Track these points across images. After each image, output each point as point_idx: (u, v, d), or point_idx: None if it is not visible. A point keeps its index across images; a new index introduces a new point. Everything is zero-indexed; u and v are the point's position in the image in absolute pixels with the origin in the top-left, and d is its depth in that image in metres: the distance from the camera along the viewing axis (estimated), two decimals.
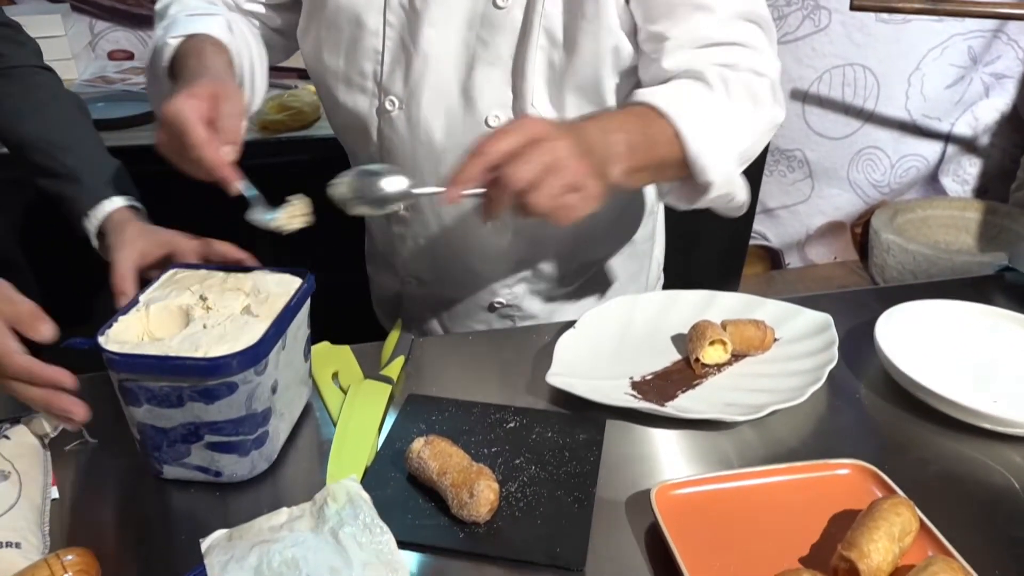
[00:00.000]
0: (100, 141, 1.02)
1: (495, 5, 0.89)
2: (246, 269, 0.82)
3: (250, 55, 0.96)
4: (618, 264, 1.14)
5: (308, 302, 0.80)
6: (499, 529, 0.69)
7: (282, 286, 0.78)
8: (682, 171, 0.84)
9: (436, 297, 1.11)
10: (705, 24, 0.87)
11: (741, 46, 0.88)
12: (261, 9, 1.03)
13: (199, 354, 0.70)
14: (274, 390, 0.75)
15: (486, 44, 0.90)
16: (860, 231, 3.11)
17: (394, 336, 0.95)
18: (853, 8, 2.33)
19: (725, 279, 2.23)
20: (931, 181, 3.09)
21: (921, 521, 0.67)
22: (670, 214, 1.18)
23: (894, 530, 0.64)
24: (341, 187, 0.77)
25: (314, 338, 0.88)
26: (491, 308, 1.08)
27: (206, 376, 0.69)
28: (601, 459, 0.78)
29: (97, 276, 0.91)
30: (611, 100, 0.92)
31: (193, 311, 0.75)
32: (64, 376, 0.72)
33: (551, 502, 0.72)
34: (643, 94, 0.84)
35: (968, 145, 3.02)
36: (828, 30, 2.69)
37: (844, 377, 0.92)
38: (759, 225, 3.01)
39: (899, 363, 0.87)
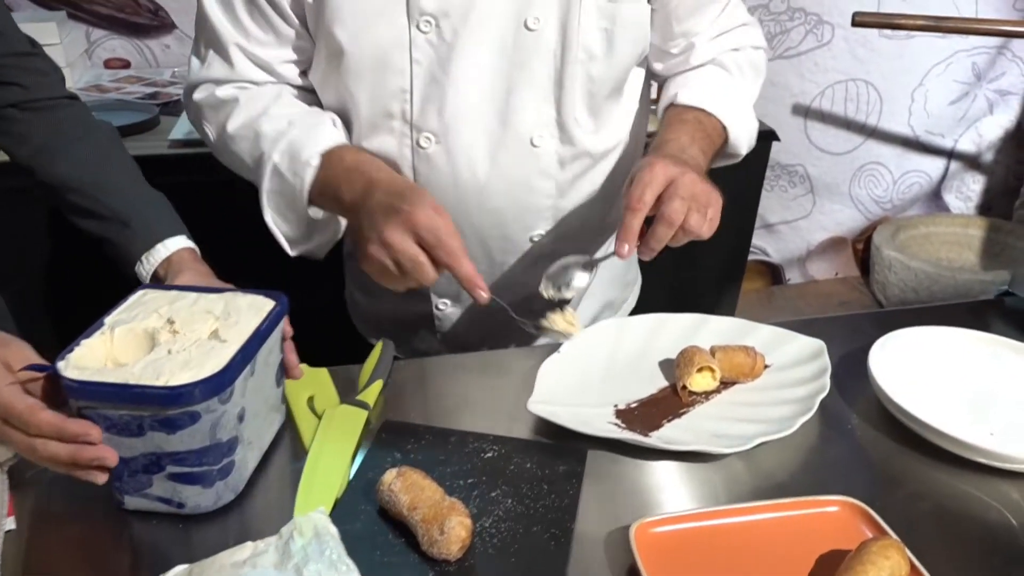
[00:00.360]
0: (139, 174, 0.99)
1: (526, 27, 0.89)
2: (218, 290, 0.79)
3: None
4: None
5: (281, 325, 0.78)
6: (471, 568, 0.66)
7: (254, 309, 0.76)
8: (723, 149, 1.02)
9: (461, 315, 1.10)
10: (718, 15, 1.01)
11: (743, 25, 1.04)
12: (308, 82, 1.01)
13: (161, 382, 0.67)
14: (241, 418, 0.73)
15: (522, 67, 0.91)
16: (862, 247, 3.08)
17: (374, 357, 0.93)
18: (855, 24, 2.31)
19: (724, 295, 2.20)
20: (934, 198, 3.06)
21: (911, 564, 0.64)
22: None
23: (882, 575, 0.61)
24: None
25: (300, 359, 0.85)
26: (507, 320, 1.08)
27: (167, 405, 0.67)
28: (582, 492, 0.75)
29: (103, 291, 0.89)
30: (630, 95, 1.02)
31: (159, 335, 0.72)
32: (92, 428, 0.67)
33: (527, 538, 0.69)
34: (690, 98, 0.98)
35: (971, 162, 2.99)
36: (831, 45, 2.66)
37: (837, 406, 0.89)
38: (759, 240, 2.98)
39: (892, 393, 0.84)
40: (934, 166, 2.97)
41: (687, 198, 0.83)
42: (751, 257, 2.99)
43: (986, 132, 2.93)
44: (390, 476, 0.71)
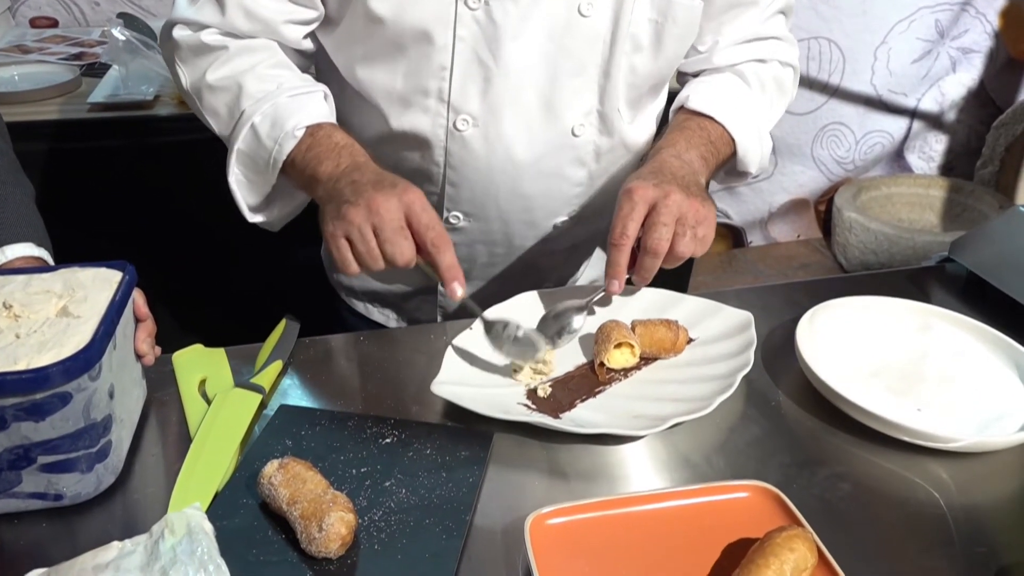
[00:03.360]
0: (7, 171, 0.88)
1: (580, 13, 0.85)
2: (47, 269, 0.73)
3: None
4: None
5: (133, 296, 0.73)
6: (352, 566, 0.62)
7: (101, 281, 0.70)
8: (730, 161, 0.98)
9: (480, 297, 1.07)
10: (752, 20, 0.98)
11: (776, 39, 1.00)
12: (308, 45, 0.94)
13: (20, 366, 0.61)
14: (112, 395, 0.68)
15: (570, 53, 0.88)
16: (824, 209, 3.05)
17: (275, 335, 0.87)
18: None
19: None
20: (896, 158, 3.03)
21: (820, 554, 0.60)
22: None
23: (786, 568, 0.57)
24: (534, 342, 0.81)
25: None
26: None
27: (34, 390, 0.61)
28: (484, 480, 0.71)
29: None
30: (665, 90, 1.02)
31: None
32: None
33: (417, 532, 0.64)
34: (699, 103, 0.94)
35: (934, 121, 2.95)
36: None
37: (763, 383, 0.85)
38: (720, 203, 2.94)
39: (817, 368, 0.80)
40: (897, 126, 2.94)
41: (670, 223, 0.80)
42: None
43: (949, 91, 2.90)
44: (271, 468, 0.66)
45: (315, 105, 0.86)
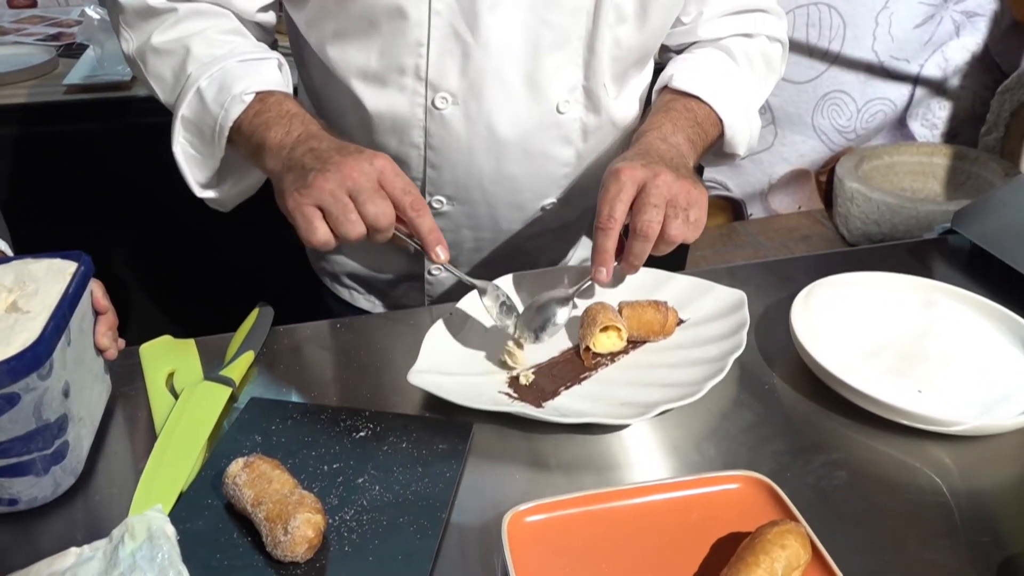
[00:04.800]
0: None
1: None
2: (2, 261, 0.70)
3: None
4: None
5: (90, 288, 0.69)
6: (321, 569, 0.58)
7: (54, 273, 0.66)
8: (718, 143, 0.93)
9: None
10: None
11: (762, 12, 0.96)
12: (266, 18, 0.90)
13: None
14: (66, 393, 0.64)
15: (552, 26, 0.83)
16: (825, 179, 2.99)
17: (247, 325, 0.84)
18: None
19: None
20: (899, 126, 2.97)
21: (814, 549, 0.57)
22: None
23: (777, 567, 0.54)
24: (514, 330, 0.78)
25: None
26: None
27: None
28: (463, 474, 0.67)
29: None
30: (651, 65, 0.97)
31: None
32: None
33: (390, 532, 0.61)
34: (684, 83, 0.89)
35: (937, 87, 2.89)
36: None
37: (756, 365, 0.81)
38: (719, 175, 2.89)
39: (812, 348, 0.76)
40: (899, 93, 2.87)
41: (661, 204, 0.75)
42: (711, 192, 2.90)
43: (952, 56, 2.83)
44: (235, 467, 0.63)
45: (268, 72, 0.82)
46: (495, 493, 0.66)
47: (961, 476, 0.69)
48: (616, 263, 0.78)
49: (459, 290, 0.91)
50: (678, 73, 0.91)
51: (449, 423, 0.72)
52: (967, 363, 0.78)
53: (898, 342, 0.81)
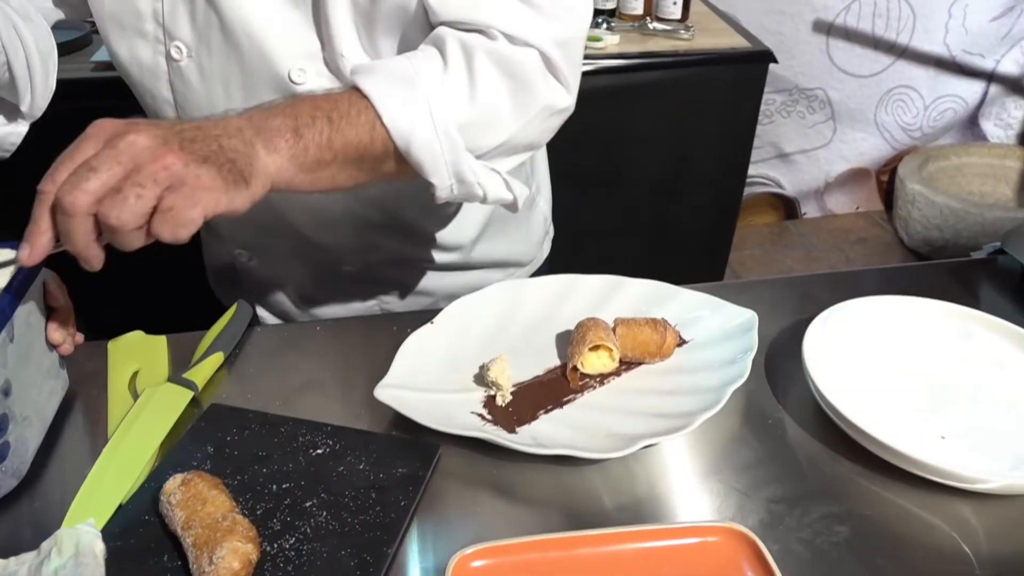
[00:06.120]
0: None
1: None
2: None
3: (23, 45, 0.75)
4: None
5: (41, 277, 0.66)
6: None
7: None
8: (404, 168, 0.68)
9: (272, 270, 0.95)
10: None
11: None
12: None
13: None
14: (6, 392, 0.61)
15: None
16: (887, 179, 2.84)
17: (221, 323, 0.79)
18: None
19: (717, 232, 2.01)
20: (969, 125, 2.79)
21: None
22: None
23: None
24: None
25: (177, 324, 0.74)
26: (347, 277, 0.92)
27: None
28: (419, 503, 0.62)
29: None
30: (415, 35, 0.73)
31: None
32: None
33: (329, 566, 0.56)
34: (355, 71, 0.67)
35: (1013, 85, 2.70)
36: None
37: (763, 396, 0.74)
38: (772, 171, 2.76)
39: (823, 382, 0.68)
40: (971, 90, 2.70)
41: (116, 170, 0.53)
42: (762, 189, 2.78)
43: None
44: (172, 484, 0.59)
45: None
46: (452, 528, 0.61)
47: (988, 539, 0.61)
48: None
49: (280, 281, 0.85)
50: (357, 67, 0.71)
51: (415, 443, 0.66)
52: (1001, 407, 0.69)
53: (924, 378, 0.72)
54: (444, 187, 0.69)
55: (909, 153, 2.74)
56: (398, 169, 0.68)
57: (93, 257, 0.55)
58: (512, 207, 0.74)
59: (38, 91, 0.79)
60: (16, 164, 0.84)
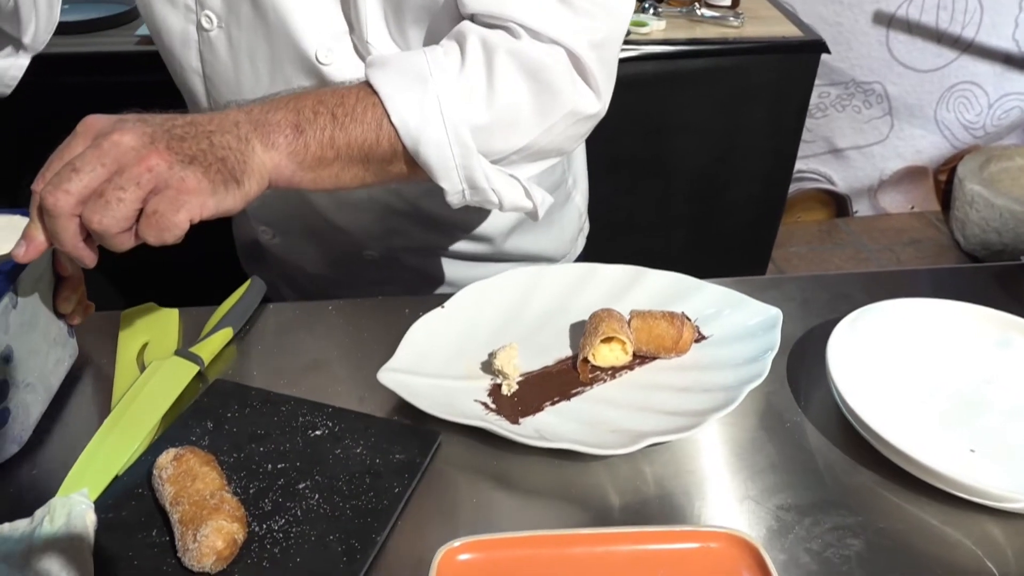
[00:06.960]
0: None
1: None
2: None
3: None
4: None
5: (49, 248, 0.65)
6: None
7: (8, 231, 0.63)
8: (414, 170, 0.65)
9: (294, 249, 0.94)
10: None
11: None
12: None
13: None
14: (7, 359, 0.61)
15: None
16: (945, 179, 2.74)
17: (233, 299, 0.79)
18: None
19: (761, 228, 1.95)
20: None
21: None
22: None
23: None
24: None
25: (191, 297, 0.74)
26: (370, 262, 0.91)
27: None
28: (415, 492, 0.60)
29: None
30: (442, 25, 0.70)
31: None
32: None
33: (316, 550, 0.55)
34: (369, 64, 0.65)
35: None
36: None
37: (783, 398, 0.70)
38: (823, 166, 2.68)
39: (846, 386, 0.65)
40: None
41: (100, 170, 0.52)
42: (812, 185, 2.70)
43: None
44: (165, 458, 0.58)
45: None
46: (445, 519, 0.59)
47: (1017, 560, 0.57)
48: None
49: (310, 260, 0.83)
50: (371, 60, 0.69)
51: (415, 430, 0.65)
52: None
53: (956, 386, 0.68)
54: (455, 192, 0.66)
55: (970, 152, 2.63)
56: (409, 171, 0.66)
57: (84, 256, 0.56)
58: (532, 216, 0.71)
59: (42, 22, 0.79)
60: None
